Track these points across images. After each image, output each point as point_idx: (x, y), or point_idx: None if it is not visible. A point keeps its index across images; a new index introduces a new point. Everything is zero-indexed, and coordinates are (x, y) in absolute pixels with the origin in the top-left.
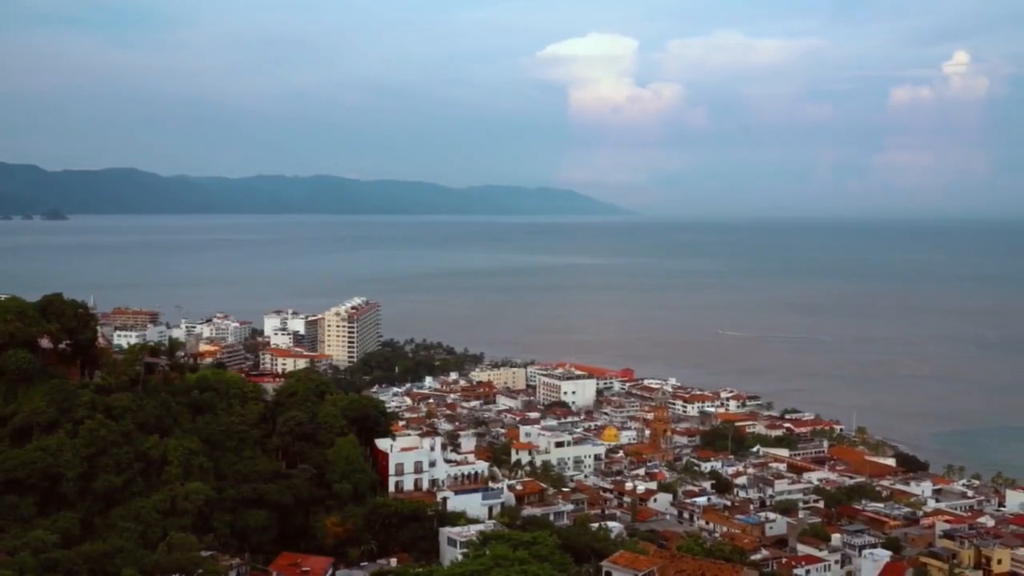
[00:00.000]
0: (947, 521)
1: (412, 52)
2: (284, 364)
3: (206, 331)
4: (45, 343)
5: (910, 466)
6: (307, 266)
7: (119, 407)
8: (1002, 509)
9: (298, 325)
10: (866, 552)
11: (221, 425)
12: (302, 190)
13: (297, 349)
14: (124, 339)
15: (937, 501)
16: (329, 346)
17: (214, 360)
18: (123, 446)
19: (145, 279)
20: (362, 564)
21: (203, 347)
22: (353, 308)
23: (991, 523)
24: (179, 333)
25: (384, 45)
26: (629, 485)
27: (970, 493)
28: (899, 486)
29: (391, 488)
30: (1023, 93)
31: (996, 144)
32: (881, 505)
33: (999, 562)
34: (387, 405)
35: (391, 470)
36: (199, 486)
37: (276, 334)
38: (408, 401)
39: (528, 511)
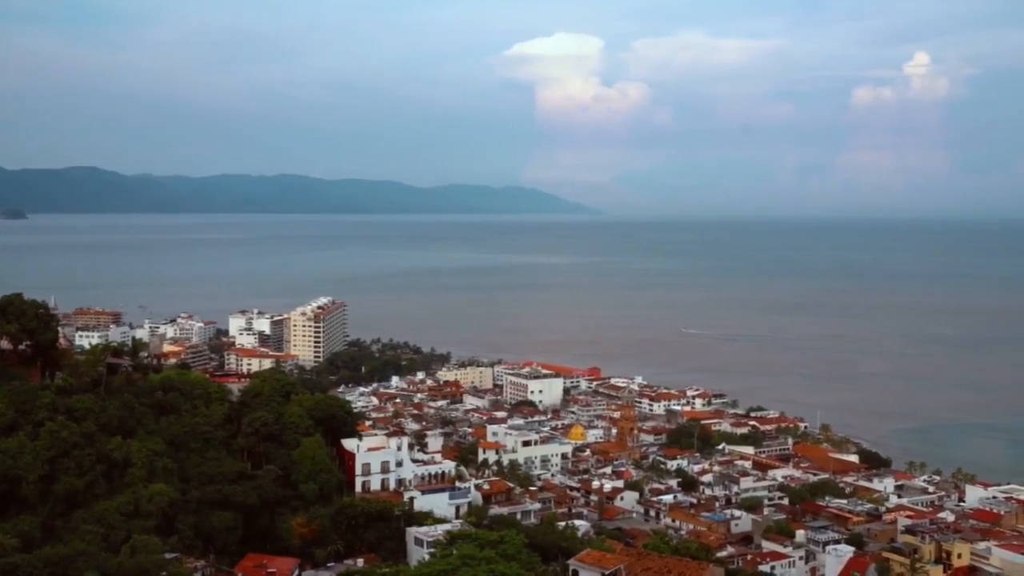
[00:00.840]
0: (909, 517)
1: (379, 50)
2: (249, 364)
3: (170, 331)
4: (5, 344)
5: (873, 463)
6: (273, 266)
7: (81, 408)
8: (962, 504)
9: (264, 325)
10: (830, 548)
11: (185, 426)
12: (267, 189)
13: (263, 349)
14: (86, 340)
15: (899, 497)
16: (295, 346)
17: (178, 361)
18: (85, 448)
19: (108, 279)
20: (329, 565)
21: (167, 347)
22: (319, 308)
23: (951, 518)
24: (143, 334)
25: (350, 43)
26: (596, 483)
27: (931, 489)
28: (862, 483)
29: (358, 488)
30: (982, 95)
31: (956, 145)
32: (844, 501)
33: (959, 556)
34: (354, 405)
35: (358, 470)
36: (163, 488)
37: (241, 334)
38: (375, 401)
39: (495, 510)
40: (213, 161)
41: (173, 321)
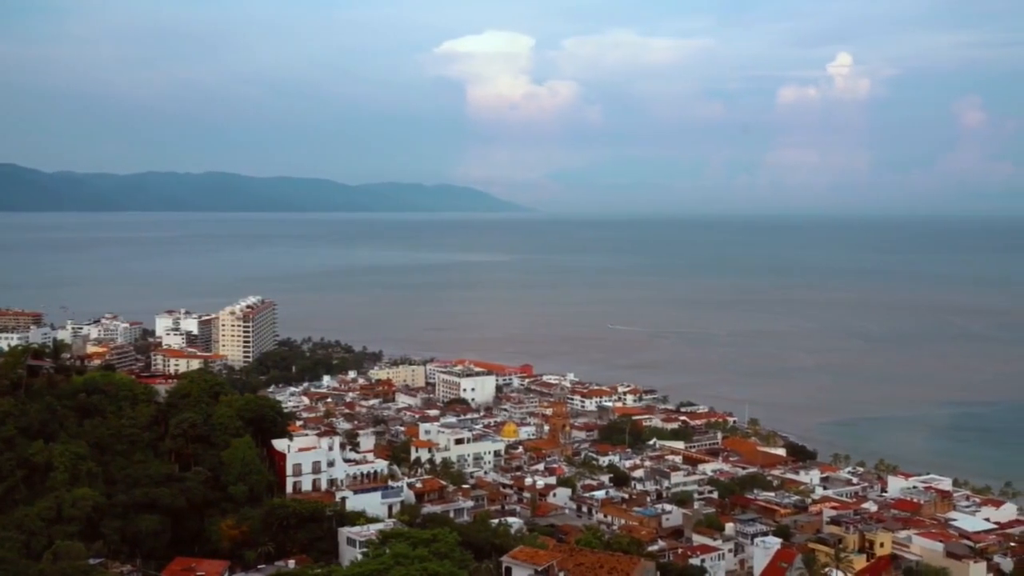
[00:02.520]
0: (834, 508)
1: (307, 47)
2: (177, 365)
3: (94, 332)
4: None
5: (799, 456)
6: (201, 265)
7: (0, 412)
8: (884, 495)
9: (191, 325)
10: (758, 540)
11: (110, 429)
12: (195, 187)
13: (190, 349)
14: (5, 341)
15: (824, 489)
16: (224, 346)
17: (103, 362)
18: (5, 452)
19: (27, 279)
20: (259, 567)
21: (91, 349)
22: (248, 307)
23: (874, 508)
24: (65, 335)
25: (278, 40)
26: (529, 480)
27: (855, 480)
28: (789, 475)
29: (289, 489)
30: (902, 95)
31: (877, 143)
32: (772, 494)
33: (881, 545)
34: (284, 405)
35: (289, 471)
36: (87, 492)
37: (168, 334)
38: (306, 401)
39: (428, 509)
40: (138, 158)
41: (97, 322)
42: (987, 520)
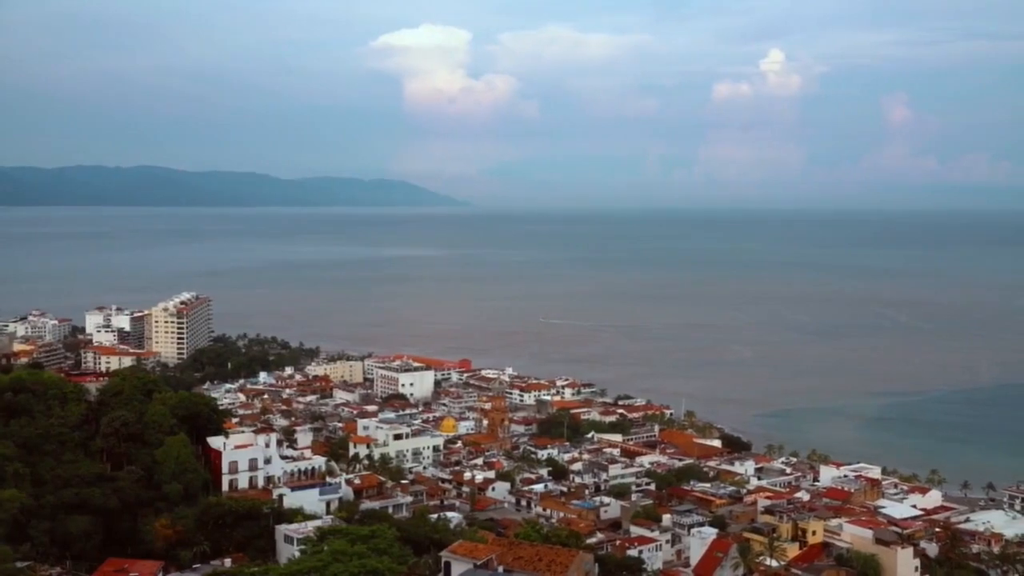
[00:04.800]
0: (768, 498)
1: (240, 39)
2: (108, 363)
3: (20, 330)
4: None
5: (735, 447)
6: (132, 260)
7: None
8: (816, 484)
9: (123, 322)
10: (694, 531)
11: (39, 428)
12: (125, 180)
13: (122, 347)
14: None
15: (759, 479)
16: (157, 343)
17: (30, 360)
18: None
19: None
20: (194, 566)
21: (17, 346)
22: (182, 303)
23: (807, 497)
24: None
25: (210, 31)
26: (468, 475)
27: (788, 470)
28: (725, 466)
29: (225, 487)
30: (831, 91)
31: (808, 139)
32: (708, 485)
33: (813, 533)
34: (220, 402)
35: (224, 468)
36: (14, 493)
37: (99, 331)
38: (242, 397)
39: (367, 505)
40: (66, 151)
41: (23, 319)
42: (914, 507)
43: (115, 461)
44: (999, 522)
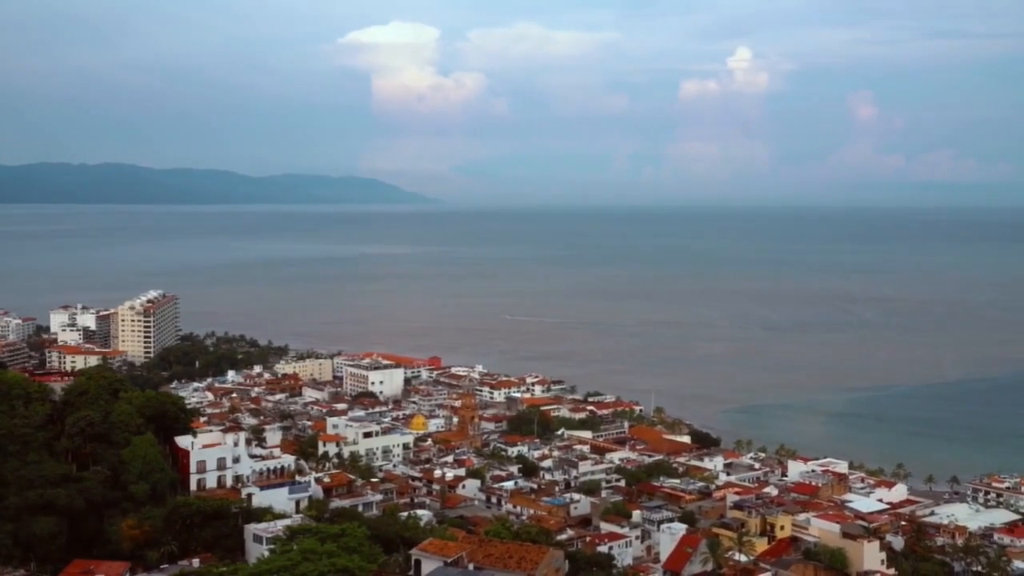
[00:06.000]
0: (737, 493)
1: (208, 36)
2: (74, 362)
3: None
4: None
5: (703, 443)
6: (98, 259)
7: None
8: (784, 479)
9: (89, 320)
10: (664, 527)
11: (2, 429)
12: (91, 178)
13: (88, 346)
14: None
15: (728, 475)
16: (123, 342)
17: None
18: None
19: None
20: (162, 567)
21: None
22: (149, 302)
23: (775, 492)
24: None
25: (178, 27)
26: (438, 473)
27: (757, 465)
28: (694, 462)
29: (193, 486)
30: (799, 88)
31: (776, 136)
32: (678, 481)
33: (782, 528)
34: (188, 401)
35: (192, 468)
36: None
37: (64, 330)
38: (210, 396)
39: (336, 503)
40: (29, 149)
41: None
42: (880, 501)
43: (81, 461)
44: (963, 515)
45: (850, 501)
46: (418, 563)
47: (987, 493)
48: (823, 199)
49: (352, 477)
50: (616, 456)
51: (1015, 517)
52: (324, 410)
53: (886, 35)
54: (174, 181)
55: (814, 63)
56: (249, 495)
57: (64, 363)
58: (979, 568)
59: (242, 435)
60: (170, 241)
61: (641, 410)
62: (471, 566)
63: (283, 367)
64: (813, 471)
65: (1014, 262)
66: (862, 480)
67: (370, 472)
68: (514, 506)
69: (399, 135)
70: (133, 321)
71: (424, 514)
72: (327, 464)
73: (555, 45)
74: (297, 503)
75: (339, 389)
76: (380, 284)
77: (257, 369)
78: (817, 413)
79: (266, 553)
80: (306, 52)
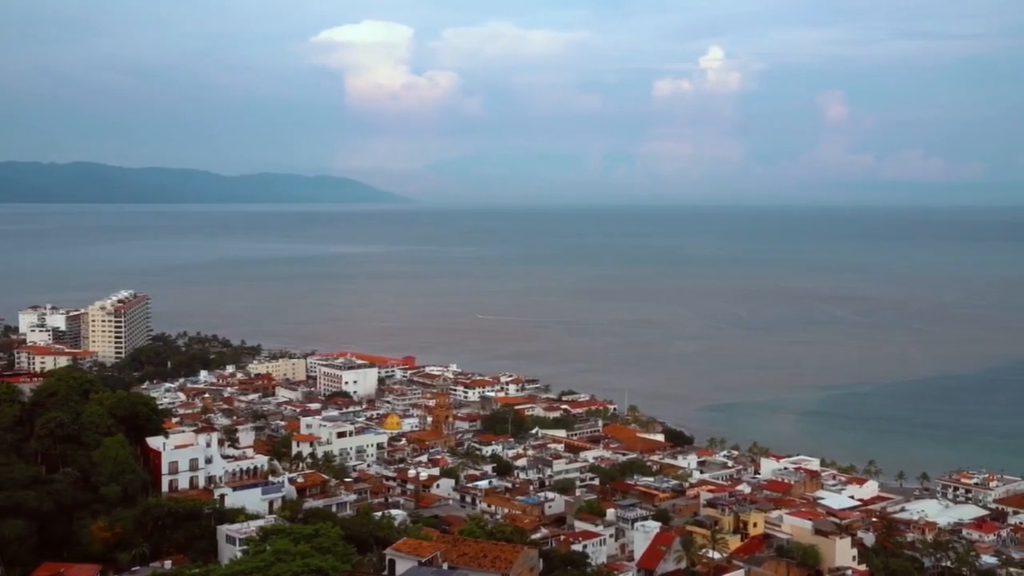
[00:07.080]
0: (710, 491)
1: (178, 34)
2: (43, 363)
3: None
4: None
5: (677, 441)
6: (68, 259)
7: None
8: (757, 476)
9: (58, 321)
10: (638, 525)
11: None
12: (61, 177)
13: (57, 346)
14: None
15: (701, 472)
16: (94, 342)
17: None
18: None
19: None
20: (134, 569)
21: None
22: (120, 302)
23: (748, 490)
24: None
25: (148, 26)
26: (412, 472)
27: (730, 463)
28: (668, 460)
29: (165, 488)
30: (770, 88)
31: (748, 136)
32: (651, 479)
33: (755, 525)
34: (159, 402)
35: (164, 469)
36: None
37: (33, 331)
38: (182, 397)
39: (310, 503)
40: None
41: None
42: (852, 497)
43: (50, 463)
44: (932, 511)
45: (822, 498)
46: (392, 563)
47: (956, 489)
48: (795, 198)
49: (326, 477)
50: (590, 455)
51: (983, 513)
52: (297, 410)
53: (857, 35)
54: (145, 180)
55: (785, 63)
56: (222, 496)
57: (33, 364)
58: (948, 563)
59: (214, 436)
60: (142, 241)
61: (615, 409)
62: (445, 565)
63: (256, 367)
64: (786, 469)
65: (982, 261)
66: (834, 477)
67: (344, 472)
68: (488, 505)
69: (373, 134)
70: (104, 321)
71: (398, 514)
72: (300, 464)
73: (529, 44)
74: (270, 504)
75: (312, 389)
76: (354, 283)
77: (230, 369)
78: (789, 411)
79: (239, 554)
80: (279, 51)
